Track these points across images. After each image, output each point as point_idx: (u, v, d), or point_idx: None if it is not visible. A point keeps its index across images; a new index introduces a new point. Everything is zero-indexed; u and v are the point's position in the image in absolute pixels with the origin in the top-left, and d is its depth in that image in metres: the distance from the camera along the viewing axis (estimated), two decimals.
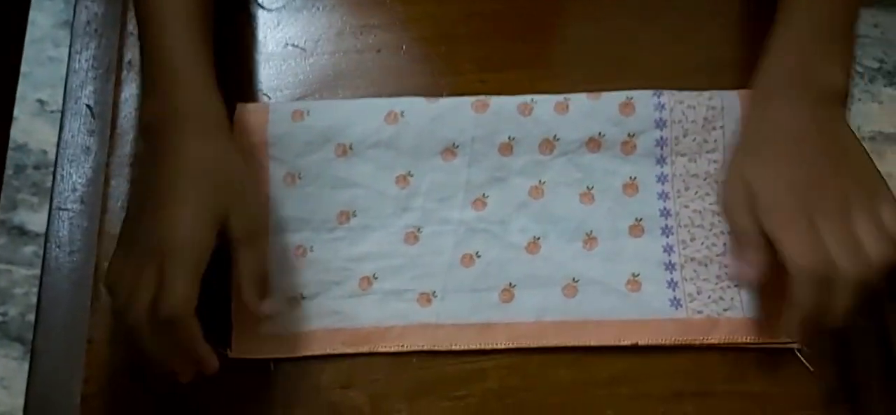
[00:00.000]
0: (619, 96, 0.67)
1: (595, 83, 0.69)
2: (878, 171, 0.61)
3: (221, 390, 0.62)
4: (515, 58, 0.71)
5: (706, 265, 0.65)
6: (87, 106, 0.71)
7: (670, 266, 0.65)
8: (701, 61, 0.70)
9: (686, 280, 0.65)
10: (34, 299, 0.69)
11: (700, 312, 0.64)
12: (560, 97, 0.68)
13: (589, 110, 0.67)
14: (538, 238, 0.66)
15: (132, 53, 0.72)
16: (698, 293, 0.64)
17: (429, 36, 0.72)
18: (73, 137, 0.70)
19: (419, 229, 0.66)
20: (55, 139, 0.72)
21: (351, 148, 0.67)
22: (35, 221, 0.73)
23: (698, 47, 0.70)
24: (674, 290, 0.64)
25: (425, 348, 0.63)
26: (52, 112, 0.74)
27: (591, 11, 0.73)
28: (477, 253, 0.66)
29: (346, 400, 0.62)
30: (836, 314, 0.57)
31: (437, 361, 0.63)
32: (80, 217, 0.68)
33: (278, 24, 0.73)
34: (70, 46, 0.72)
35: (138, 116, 0.63)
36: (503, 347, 0.63)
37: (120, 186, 0.68)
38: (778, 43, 0.64)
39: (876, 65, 0.70)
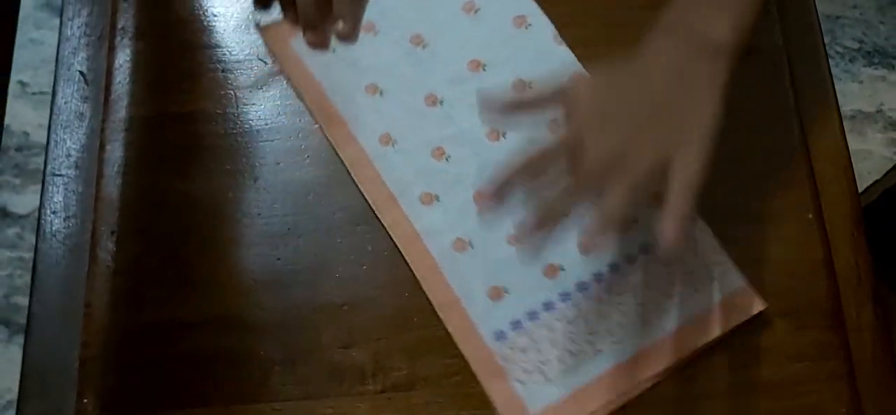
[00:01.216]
0: None
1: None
2: (707, 136, 0.56)
3: (221, 347, 0.62)
4: None
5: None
6: (80, 72, 0.70)
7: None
8: None
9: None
10: (18, 281, 0.68)
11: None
12: None
13: None
14: None
15: (125, 20, 0.71)
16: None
17: None
18: (66, 103, 0.69)
19: (441, 102, 0.68)
20: (37, 121, 0.71)
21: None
22: (17, 202, 0.72)
23: None
24: None
25: (346, 163, 0.66)
26: (34, 94, 0.73)
27: None
28: (449, 157, 0.66)
29: (347, 359, 0.62)
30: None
31: (439, 319, 0.63)
32: (75, 183, 0.67)
33: None
34: (61, 14, 0.71)
35: None
36: (386, 227, 0.64)
37: (115, 151, 0.67)
38: None
39: (855, 45, 0.71)
